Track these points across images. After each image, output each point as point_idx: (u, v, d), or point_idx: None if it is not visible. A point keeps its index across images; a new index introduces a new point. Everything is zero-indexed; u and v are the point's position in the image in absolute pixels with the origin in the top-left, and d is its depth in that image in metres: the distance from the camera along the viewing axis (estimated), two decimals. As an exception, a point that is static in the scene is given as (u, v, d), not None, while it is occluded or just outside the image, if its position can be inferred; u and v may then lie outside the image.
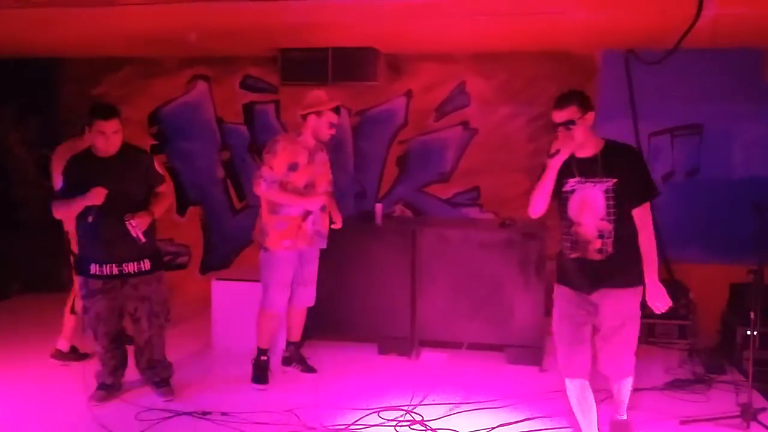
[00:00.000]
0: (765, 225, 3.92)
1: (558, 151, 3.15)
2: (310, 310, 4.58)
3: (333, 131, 4.30)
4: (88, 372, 4.14)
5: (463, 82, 6.04)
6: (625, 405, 3.56)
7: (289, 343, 4.60)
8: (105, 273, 3.81)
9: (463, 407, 3.94)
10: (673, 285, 5.35)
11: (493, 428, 3.67)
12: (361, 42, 5.55)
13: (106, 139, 3.73)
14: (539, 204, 3.27)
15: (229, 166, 6.53)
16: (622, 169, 3.17)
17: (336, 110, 4.32)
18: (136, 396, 4.07)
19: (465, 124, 6.07)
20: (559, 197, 3.28)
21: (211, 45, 5.63)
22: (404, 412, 3.86)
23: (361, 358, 4.82)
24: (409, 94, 6.15)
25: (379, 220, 5.06)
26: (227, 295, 5.00)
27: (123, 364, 4.11)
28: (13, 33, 5.14)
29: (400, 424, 3.72)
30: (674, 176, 5.70)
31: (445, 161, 6.12)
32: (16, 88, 6.61)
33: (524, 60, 5.88)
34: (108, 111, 3.79)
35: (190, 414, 3.81)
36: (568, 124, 3.16)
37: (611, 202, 3.16)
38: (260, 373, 4.33)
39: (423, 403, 3.99)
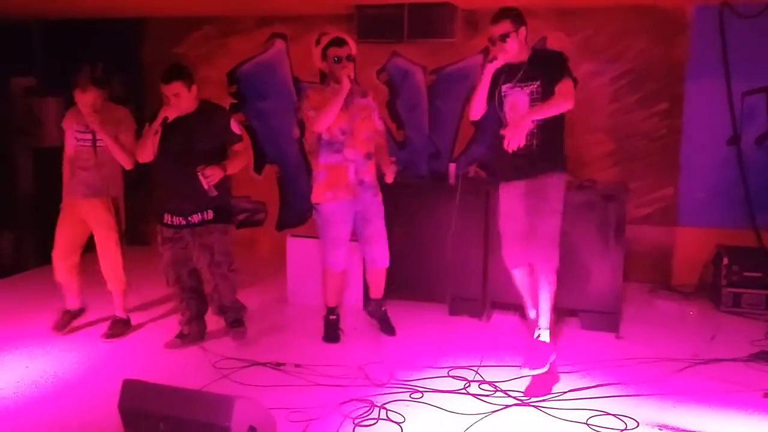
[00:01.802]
0: None
1: (495, 58, 3.56)
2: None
3: (344, 68, 4.01)
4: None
5: (543, 38, 5.82)
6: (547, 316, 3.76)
7: (369, 300, 4.62)
8: (174, 223, 4.00)
9: (534, 371, 3.89)
10: (762, 253, 5.10)
11: (564, 393, 3.62)
12: (439, -2, 5.43)
13: (168, 100, 3.87)
14: (477, 107, 3.70)
15: (304, 126, 6.58)
16: (545, 71, 3.55)
17: (336, 42, 4.12)
18: (215, 345, 4.23)
19: (544, 82, 5.88)
20: (498, 103, 3.69)
21: (289, 2, 5.64)
22: (474, 372, 3.85)
23: (431, 318, 4.82)
24: (486, 51, 5.97)
25: (452, 180, 5.00)
26: (301, 252, 5.10)
27: (199, 316, 4.28)
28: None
29: (469, 383, 3.72)
30: (768, 138, 5.36)
31: (522, 121, 5.96)
32: (102, 48, 6.84)
33: (610, 14, 5.61)
34: (168, 74, 3.89)
35: (264, 364, 3.93)
36: (504, 37, 3.55)
37: (535, 104, 3.56)
38: (330, 332, 4.37)
39: (494, 364, 3.97)
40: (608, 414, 3.37)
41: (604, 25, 5.65)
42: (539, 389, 3.62)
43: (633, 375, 3.82)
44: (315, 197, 4.22)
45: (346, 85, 3.97)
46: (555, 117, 3.58)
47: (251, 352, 4.12)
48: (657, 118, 5.62)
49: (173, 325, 4.44)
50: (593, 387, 3.68)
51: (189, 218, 3.98)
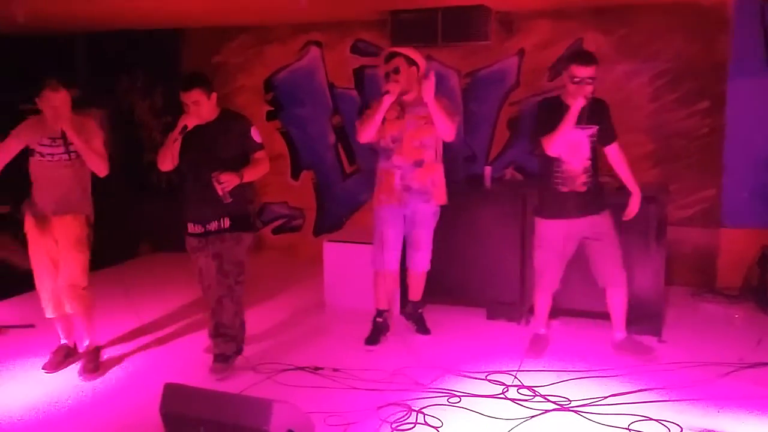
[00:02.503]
0: None
1: (584, 98, 3.76)
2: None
3: (391, 83, 4.13)
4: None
5: (579, 39, 5.76)
6: (623, 320, 4.17)
7: (407, 301, 4.66)
8: (196, 232, 3.92)
9: (574, 375, 3.84)
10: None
11: (605, 397, 3.56)
12: (472, 0, 5.41)
13: (188, 109, 3.79)
14: (562, 145, 3.89)
15: (341, 131, 6.63)
16: (601, 120, 4.00)
17: (388, 57, 4.22)
18: (253, 349, 4.25)
19: (581, 83, 5.81)
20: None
21: (322, 9, 5.69)
22: (512, 377, 3.82)
23: (469, 322, 4.81)
24: (521, 53, 5.95)
25: (488, 183, 4.98)
26: (338, 257, 5.13)
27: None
28: (138, 5, 5.42)
29: (508, 388, 3.69)
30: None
31: (558, 122, 5.90)
32: (142, 59, 7.01)
33: (647, 13, 5.53)
34: (187, 82, 3.82)
35: (302, 368, 3.96)
36: (593, 79, 3.81)
37: (593, 146, 4.01)
38: (372, 334, 4.40)
39: (532, 369, 3.93)
40: (650, 419, 3.30)
41: (642, 24, 5.56)
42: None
43: (676, 379, 3.74)
44: (374, 199, 4.38)
45: (386, 101, 4.11)
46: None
47: (290, 356, 4.15)
48: (698, 117, 5.50)
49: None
50: (635, 392, 3.62)
51: (207, 226, 3.88)
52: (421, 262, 4.44)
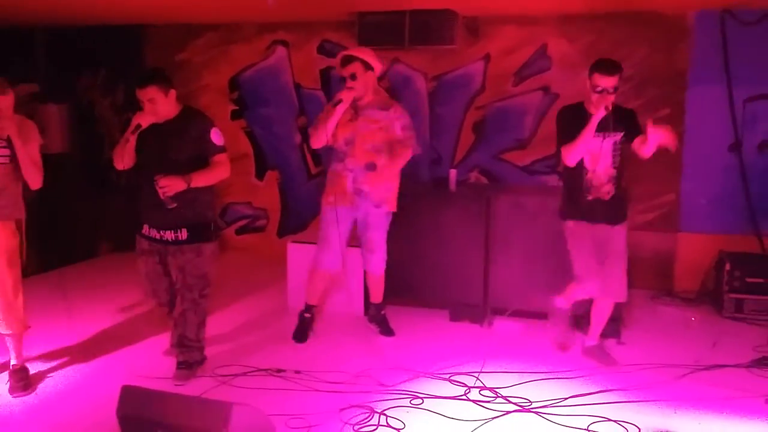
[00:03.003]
0: None
1: (607, 108, 3.68)
2: (385, 273, 4.55)
3: (345, 90, 4.14)
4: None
5: (544, 45, 5.84)
6: (599, 329, 4.16)
7: (371, 304, 4.66)
8: (150, 235, 3.75)
9: (535, 376, 3.88)
10: (764, 259, 5.08)
11: (566, 398, 3.60)
12: (439, 4, 5.44)
13: (143, 106, 3.61)
14: (580, 155, 3.85)
15: (306, 132, 6.58)
16: (627, 126, 3.84)
17: (345, 61, 4.18)
18: (214, 352, 4.17)
19: (545, 89, 5.89)
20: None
21: (288, 9, 5.65)
22: (475, 378, 3.84)
23: (432, 323, 4.81)
24: (487, 58, 6.00)
25: (453, 186, 5.00)
26: (302, 258, 5.07)
27: None
28: (100, 1, 5.31)
29: (470, 390, 3.70)
30: (772, 144, 5.35)
31: (523, 127, 5.97)
32: (104, 55, 6.88)
33: (611, 22, 5.62)
34: (142, 79, 3.62)
35: (264, 370, 3.91)
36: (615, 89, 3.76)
37: (617, 153, 3.89)
38: (299, 330, 4.43)
39: (494, 370, 3.95)
40: (609, 420, 3.35)
41: (607, 32, 5.65)
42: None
43: (635, 381, 3.80)
44: (322, 200, 4.38)
45: (339, 110, 4.14)
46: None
47: (251, 358, 4.10)
48: (659, 124, 5.59)
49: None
50: (595, 393, 3.66)
51: (162, 234, 3.69)
52: (378, 264, 4.46)
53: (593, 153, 3.82)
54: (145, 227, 3.77)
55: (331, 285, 4.62)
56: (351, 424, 3.27)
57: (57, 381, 3.85)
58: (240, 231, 6.91)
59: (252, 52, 6.61)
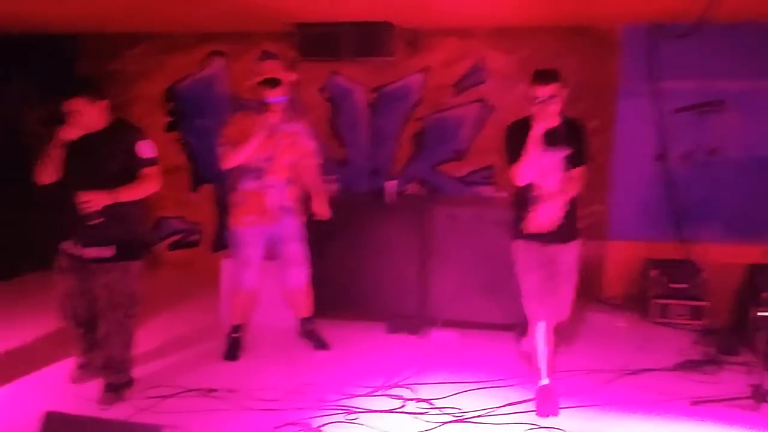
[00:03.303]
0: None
1: (544, 119, 3.51)
2: (319, 287, 4.54)
3: (270, 108, 4.10)
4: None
5: (481, 58, 5.94)
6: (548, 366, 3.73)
7: (300, 320, 4.59)
8: (72, 252, 3.62)
9: (470, 386, 3.92)
10: (686, 265, 5.28)
11: (500, 407, 3.65)
12: (378, 16, 5.48)
13: (69, 118, 3.49)
14: (528, 173, 3.61)
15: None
16: (576, 143, 3.64)
17: (268, 83, 4.10)
18: (142, 372, 4.05)
19: (482, 101, 5.99)
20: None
21: (227, 19, 5.61)
22: (411, 390, 3.85)
23: (370, 336, 4.82)
24: (425, 70, 6.07)
25: (391, 197, 5.02)
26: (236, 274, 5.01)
27: (94, 347, 3.83)
28: (31, 9, 5.16)
29: (405, 402, 3.72)
30: (694, 154, 5.57)
31: (460, 139, 6.06)
32: (36, 66, 6.65)
33: (546, 35, 5.77)
34: (69, 90, 3.51)
35: (195, 390, 3.83)
36: (551, 98, 3.52)
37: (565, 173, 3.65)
38: (230, 350, 4.37)
39: (430, 381, 3.98)
40: (541, 427, 3.42)
41: (541, 46, 5.79)
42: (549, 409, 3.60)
43: (565, 387, 3.87)
44: (233, 221, 4.24)
45: (259, 136, 4.05)
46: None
47: (182, 378, 4.00)
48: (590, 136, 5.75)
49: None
50: (527, 401, 3.73)
51: (86, 251, 3.58)
52: (300, 275, 4.40)
53: (543, 168, 3.61)
54: (68, 244, 3.64)
55: (254, 302, 4.53)
56: (285, 442, 3.25)
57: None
58: (173, 246, 6.78)
59: (189, 63, 6.51)
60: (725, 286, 5.07)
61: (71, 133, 3.48)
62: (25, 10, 5.24)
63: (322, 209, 4.44)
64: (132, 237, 3.66)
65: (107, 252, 3.57)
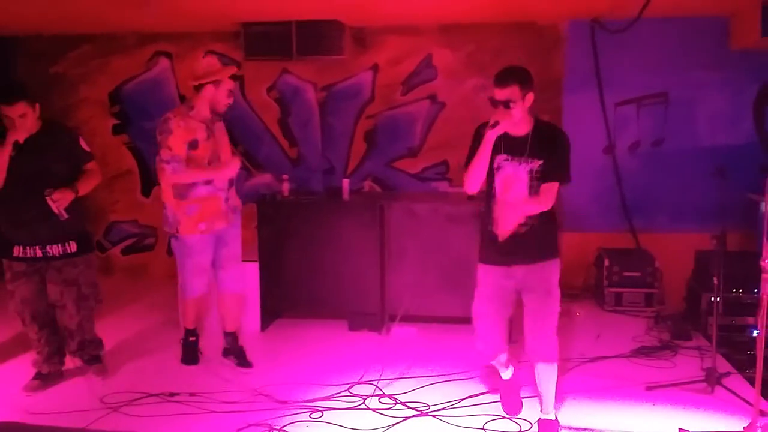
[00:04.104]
0: (726, 190, 3.99)
1: (497, 123, 3.06)
2: (280, 286, 4.47)
3: (231, 100, 3.94)
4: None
5: (429, 55, 5.99)
6: (550, 401, 3.37)
7: (225, 334, 4.31)
8: (29, 255, 3.68)
9: (433, 380, 3.95)
10: (639, 254, 5.43)
11: (462, 399, 3.69)
12: (325, 15, 5.47)
13: (13, 123, 3.54)
14: (475, 181, 3.19)
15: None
16: (549, 153, 3.12)
17: (234, 77, 3.98)
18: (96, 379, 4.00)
19: (433, 97, 6.04)
20: (489, 174, 3.21)
21: (170, 19, 5.50)
22: (374, 387, 3.86)
23: (331, 334, 4.80)
24: (375, 68, 6.07)
25: (346, 195, 5.01)
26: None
27: (59, 351, 3.97)
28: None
29: (369, 398, 3.72)
30: (640, 146, 5.74)
31: (413, 135, 6.09)
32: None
33: (491, 31, 5.84)
34: (12, 95, 3.55)
35: (157, 395, 3.76)
36: (508, 103, 3.06)
37: (533, 185, 3.14)
38: (188, 354, 4.27)
39: (393, 377, 3.99)
40: (503, 417, 3.47)
41: (487, 41, 5.87)
42: None
43: (525, 377, 3.92)
44: (185, 230, 3.94)
45: (234, 163, 3.99)
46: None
47: (142, 383, 3.93)
48: (539, 129, 5.86)
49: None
50: (489, 392, 3.78)
51: (47, 249, 3.68)
52: (237, 279, 4.21)
53: (506, 179, 3.18)
54: (17, 248, 3.68)
55: (205, 306, 4.45)
56: (249, 444, 3.21)
57: None
58: (126, 251, 6.62)
59: (133, 64, 6.35)
60: (676, 273, 5.24)
61: (21, 136, 3.57)
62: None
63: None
64: (85, 230, 3.90)
65: (70, 247, 3.75)
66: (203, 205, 3.94)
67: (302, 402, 3.67)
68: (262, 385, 3.88)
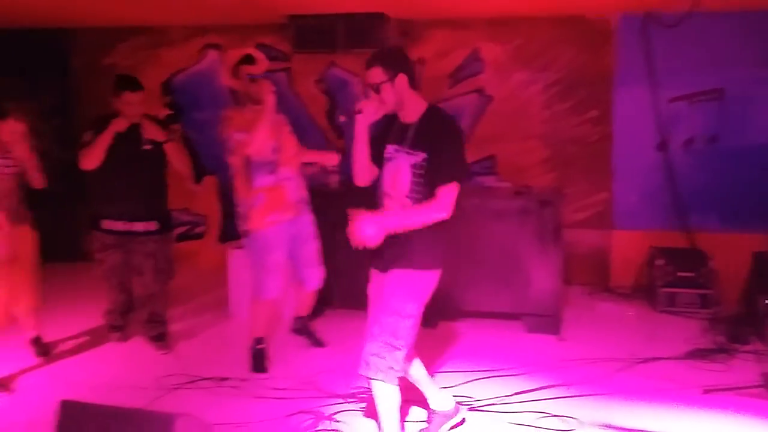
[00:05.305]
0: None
1: (360, 111, 2.81)
2: (330, 278, 4.43)
3: (263, 85, 3.77)
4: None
5: (477, 49, 5.94)
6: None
7: (297, 318, 4.39)
8: (117, 229, 4.13)
9: (480, 375, 3.92)
10: (693, 253, 5.30)
11: (509, 396, 3.65)
12: (372, 8, 5.46)
13: (125, 109, 4.02)
14: (361, 173, 2.96)
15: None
16: (434, 148, 2.74)
17: (247, 60, 3.86)
18: (156, 362, 4.10)
19: (480, 91, 5.99)
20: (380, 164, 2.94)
21: (220, 11, 5.56)
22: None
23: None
24: (421, 61, 6.04)
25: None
26: (244, 265, 4.97)
27: (131, 309, 4.47)
28: (25, 3, 5.09)
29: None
30: (694, 143, 5.60)
31: (460, 129, 6.04)
32: (31, 59, 6.57)
33: (540, 25, 5.77)
34: (138, 84, 4.11)
35: (209, 379, 3.82)
36: (377, 87, 2.79)
37: (418, 180, 2.78)
38: (258, 362, 4.03)
39: (443, 370, 3.97)
40: (552, 415, 3.42)
41: (535, 35, 5.79)
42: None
43: (575, 376, 3.88)
44: (254, 223, 3.86)
45: (272, 101, 3.72)
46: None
47: (195, 367, 3.99)
48: (588, 125, 5.78)
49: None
50: (537, 389, 3.73)
51: (133, 225, 4.11)
52: (319, 277, 4.20)
53: (393, 171, 2.86)
54: (107, 222, 4.12)
55: (279, 311, 4.43)
56: (298, 430, 3.23)
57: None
58: (178, 238, 6.73)
59: (182, 56, 6.45)
60: (732, 275, 5.07)
61: (124, 124, 4.02)
62: (19, 3, 5.16)
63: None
64: (166, 211, 4.35)
65: (152, 226, 4.17)
66: (269, 195, 3.88)
67: (352, 392, 3.67)
68: (311, 374, 3.90)
